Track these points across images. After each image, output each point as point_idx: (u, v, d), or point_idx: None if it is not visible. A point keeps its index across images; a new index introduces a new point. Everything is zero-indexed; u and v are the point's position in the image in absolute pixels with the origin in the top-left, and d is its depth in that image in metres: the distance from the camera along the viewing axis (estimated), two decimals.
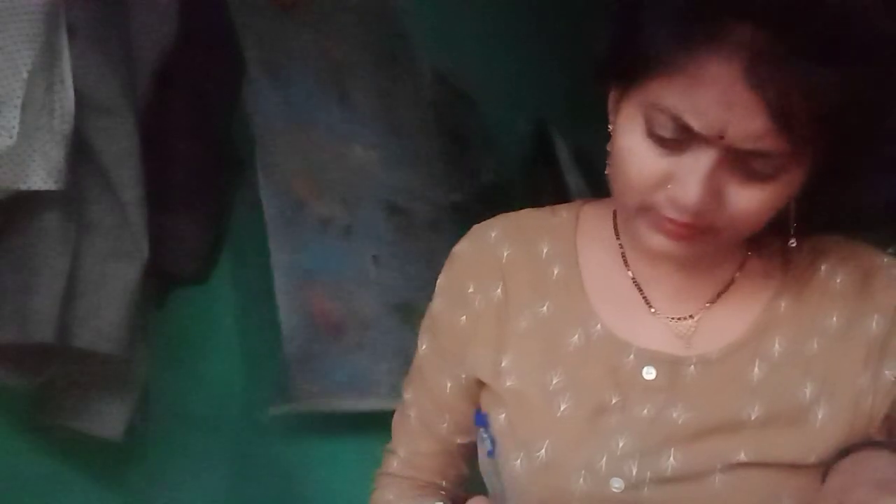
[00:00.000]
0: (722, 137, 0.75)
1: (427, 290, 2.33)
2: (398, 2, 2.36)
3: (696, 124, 0.76)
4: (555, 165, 2.98)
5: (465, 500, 0.98)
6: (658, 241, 0.83)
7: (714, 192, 0.78)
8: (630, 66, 0.80)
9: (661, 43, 0.76)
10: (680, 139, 0.77)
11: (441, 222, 2.33)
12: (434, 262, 2.35)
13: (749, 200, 0.79)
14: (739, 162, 0.77)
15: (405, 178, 2.24)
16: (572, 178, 2.98)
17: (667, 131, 0.78)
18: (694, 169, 0.77)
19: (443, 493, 1.02)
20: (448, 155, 2.50)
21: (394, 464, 1.04)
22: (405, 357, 2.02)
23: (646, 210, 0.82)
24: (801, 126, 0.73)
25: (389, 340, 2.03)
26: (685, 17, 0.75)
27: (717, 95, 0.74)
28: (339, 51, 2.11)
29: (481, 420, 0.95)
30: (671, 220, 0.80)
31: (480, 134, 2.74)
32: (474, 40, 2.73)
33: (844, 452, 0.84)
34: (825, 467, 0.84)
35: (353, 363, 1.93)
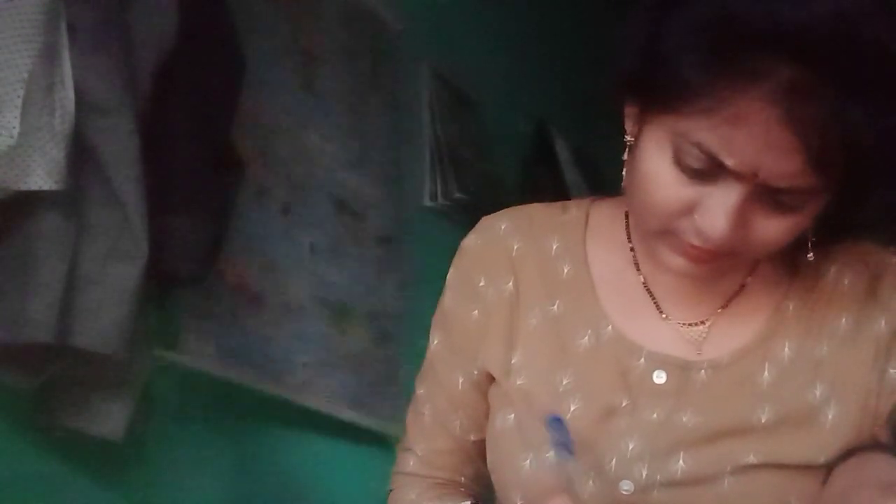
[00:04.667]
0: (756, 175, 0.74)
1: (370, 298, 2.31)
2: (393, 5, 2.35)
3: (729, 162, 0.74)
4: (555, 165, 2.98)
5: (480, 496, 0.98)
6: (678, 263, 0.82)
7: (740, 223, 0.77)
8: (657, 92, 0.77)
9: (694, 76, 0.73)
10: (709, 172, 0.76)
11: (394, 235, 2.31)
12: (385, 273, 2.33)
13: (773, 230, 0.79)
14: (768, 195, 0.76)
15: (363, 182, 2.22)
16: (572, 178, 2.98)
17: (696, 163, 0.76)
18: (722, 201, 0.76)
19: (463, 489, 1.01)
20: (435, 160, 2.49)
21: (410, 462, 1.02)
22: (327, 355, 2.01)
23: (667, 234, 0.82)
24: (838, 164, 0.73)
25: (314, 334, 1.98)
26: (720, 53, 0.72)
27: (754, 136, 0.72)
28: (313, 45, 2.09)
29: (558, 424, 0.88)
30: (693, 246, 0.80)
31: (477, 137, 2.73)
32: (474, 40, 2.73)
33: (846, 455, 0.84)
34: (828, 470, 0.84)
35: (266, 342, 1.87)
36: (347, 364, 2.07)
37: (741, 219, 0.77)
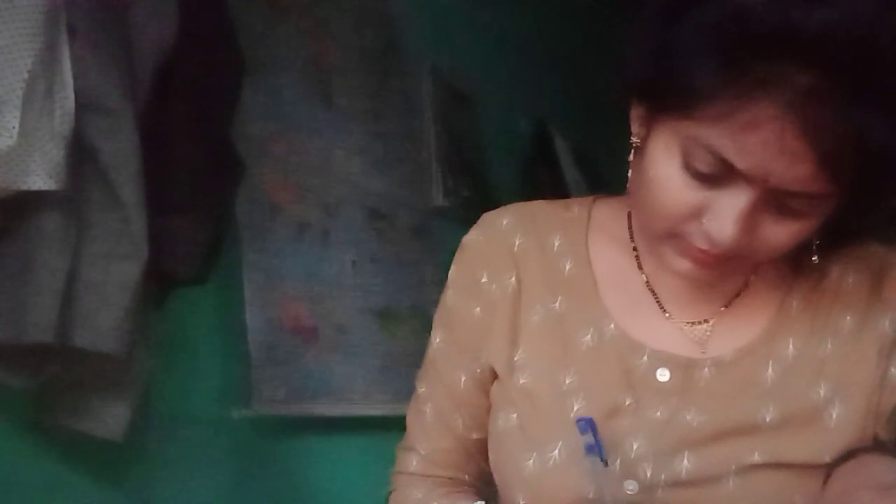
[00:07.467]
0: (766, 180, 0.74)
1: (411, 294, 2.34)
2: (394, 6, 2.36)
3: (741, 166, 0.74)
4: (555, 165, 2.98)
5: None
6: (684, 266, 0.82)
7: (748, 228, 0.77)
8: (668, 96, 0.77)
9: (708, 83, 0.73)
10: (719, 175, 0.76)
11: (425, 228, 2.33)
12: (420, 268, 2.36)
13: (781, 235, 0.79)
14: (777, 200, 0.76)
15: (388, 183, 2.25)
16: (572, 178, 2.98)
17: (706, 167, 0.76)
18: (731, 206, 0.76)
19: (469, 488, 1.00)
20: (440, 159, 2.50)
21: (412, 462, 1.01)
22: (383, 361, 2.03)
23: (673, 237, 0.81)
24: (850, 170, 0.72)
25: (367, 345, 2.02)
26: (734, 60, 0.72)
27: (766, 140, 0.72)
28: (329, 55, 2.12)
29: (590, 424, 0.87)
30: (700, 250, 0.79)
31: (478, 135, 2.74)
32: (474, 40, 2.73)
33: (846, 456, 0.84)
34: (828, 471, 0.84)
35: (327, 368, 1.92)
36: (403, 364, 2.10)
37: (749, 223, 0.77)
